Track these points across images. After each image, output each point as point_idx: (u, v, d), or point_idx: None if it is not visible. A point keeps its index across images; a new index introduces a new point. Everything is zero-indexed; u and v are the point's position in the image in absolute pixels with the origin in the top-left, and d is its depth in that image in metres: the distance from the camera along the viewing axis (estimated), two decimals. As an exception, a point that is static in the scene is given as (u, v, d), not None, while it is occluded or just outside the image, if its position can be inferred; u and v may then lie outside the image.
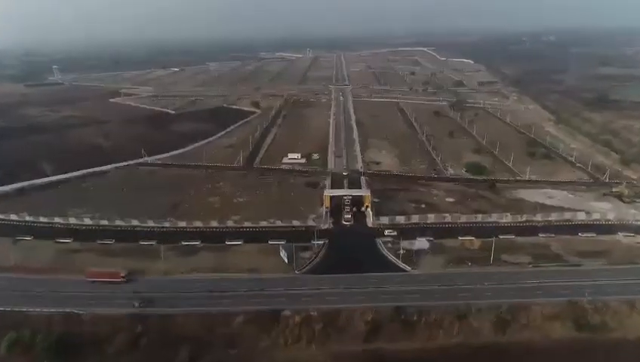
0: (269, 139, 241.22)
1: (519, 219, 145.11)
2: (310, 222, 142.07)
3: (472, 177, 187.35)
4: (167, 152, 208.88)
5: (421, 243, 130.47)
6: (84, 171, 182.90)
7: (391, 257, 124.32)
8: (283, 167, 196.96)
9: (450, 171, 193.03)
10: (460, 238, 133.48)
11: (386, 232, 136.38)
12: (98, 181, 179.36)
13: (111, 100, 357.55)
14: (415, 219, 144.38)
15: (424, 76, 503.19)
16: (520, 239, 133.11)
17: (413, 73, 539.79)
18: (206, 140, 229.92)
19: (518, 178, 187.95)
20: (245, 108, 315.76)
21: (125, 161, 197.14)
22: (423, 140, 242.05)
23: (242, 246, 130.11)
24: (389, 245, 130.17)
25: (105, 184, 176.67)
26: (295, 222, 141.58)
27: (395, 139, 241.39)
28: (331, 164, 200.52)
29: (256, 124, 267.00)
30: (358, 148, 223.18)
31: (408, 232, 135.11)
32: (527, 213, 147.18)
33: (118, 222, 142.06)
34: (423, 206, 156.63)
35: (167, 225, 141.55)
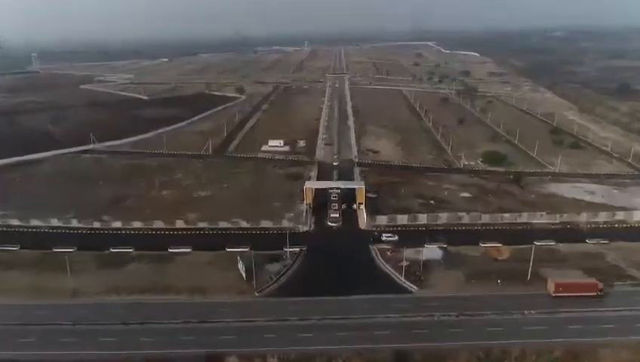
0: (249, 125, 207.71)
1: (557, 220, 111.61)
2: (285, 223, 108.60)
3: (491, 168, 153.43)
4: (124, 138, 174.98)
5: (431, 251, 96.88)
6: (16, 159, 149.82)
7: (390, 271, 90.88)
8: (261, 155, 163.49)
9: (464, 162, 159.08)
10: (483, 245, 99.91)
11: (385, 237, 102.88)
12: (30, 171, 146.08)
13: (82, 87, 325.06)
14: (422, 219, 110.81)
15: (428, 67, 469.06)
16: (563, 247, 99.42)
17: (416, 64, 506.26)
18: (174, 126, 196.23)
19: (546, 169, 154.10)
20: (229, 95, 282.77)
21: (72, 147, 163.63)
22: (429, 128, 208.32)
23: (190, 254, 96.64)
24: (388, 254, 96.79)
25: (36, 175, 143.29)
26: (265, 223, 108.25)
27: (398, 127, 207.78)
28: (319, 153, 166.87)
29: (236, 110, 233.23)
30: (353, 135, 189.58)
31: (414, 237, 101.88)
32: (568, 213, 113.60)
33: (34, 222, 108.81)
34: (432, 202, 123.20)
35: (97, 225, 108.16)
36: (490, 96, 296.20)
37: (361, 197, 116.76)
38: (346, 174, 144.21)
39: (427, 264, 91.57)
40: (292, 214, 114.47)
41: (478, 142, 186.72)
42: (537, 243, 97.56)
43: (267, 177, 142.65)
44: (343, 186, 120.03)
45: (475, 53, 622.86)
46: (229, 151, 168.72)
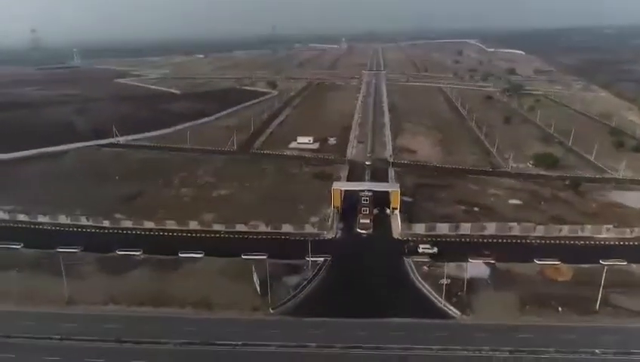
0: (277, 121, 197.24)
1: (629, 235, 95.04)
2: (308, 228, 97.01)
3: (543, 172, 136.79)
4: (149, 132, 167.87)
5: (476, 268, 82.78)
6: (34, 151, 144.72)
7: (428, 290, 77.75)
8: (288, 153, 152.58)
9: (512, 164, 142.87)
10: (539, 262, 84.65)
11: (421, 248, 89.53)
12: (49, 163, 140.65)
13: (116, 80, 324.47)
14: (465, 229, 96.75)
15: (470, 64, 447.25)
16: (637, 268, 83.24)
17: (457, 62, 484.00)
18: (200, 120, 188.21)
19: (608, 175, 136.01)
20: (260, 90, 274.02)
21: (95, 140, 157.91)
22: (471, 127, 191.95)
23: (201, 260, 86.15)
24: (425, 269, 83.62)
25: (54, 168, 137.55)
26: (286, 228, 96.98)
27: (437, 125, 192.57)
28: (351, 151, 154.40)
29: (267, 105, 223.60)
30: (388, 133, 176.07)
31: (455, 250, 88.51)
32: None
33: (40, 219, 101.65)
34: (477, 210, 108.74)
35: (106, 224, 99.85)
36: (539, 95, 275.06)
37: (395, 201, 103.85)
38: (379, 175, 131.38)
39: (472, 283, 77.90)
40: (317, 218, 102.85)
41: (527, 143, 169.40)
42: (605, 263, 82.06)
43: (293, 176, 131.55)
44: (375, 188, 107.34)
45: (520, 51, 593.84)
46: (255, 147, 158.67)
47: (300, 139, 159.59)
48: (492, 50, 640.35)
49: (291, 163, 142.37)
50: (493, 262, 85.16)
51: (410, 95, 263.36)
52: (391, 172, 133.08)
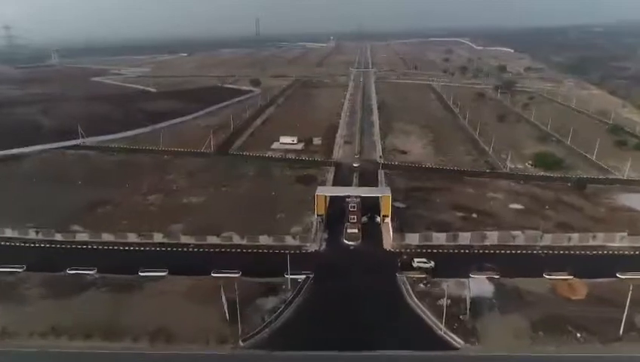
0: (260, 121, 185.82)
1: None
2: (289, 240, 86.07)
3: (544, 173, 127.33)
4: (120, 132, 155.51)
5: (479, 284, 72.87)
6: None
7: (425, 314, 67.27)
8: (270, 154, 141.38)
9: (510, 165, 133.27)
10: (549, 277, 75.28)
11: (416, 262, 79.07)
12: (4, 168, 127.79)
13: (93, 79, 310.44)
14: (464, 238, 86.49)
15: (460, 62, 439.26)
16: (659, 282, 73.61)
17: (447, 60, 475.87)
18: (177, 120, 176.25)
19: (612, 176, 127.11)
20: (243, 88, 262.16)
21: (59, 141, 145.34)
22: (464, 125, 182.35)
23: (164, 280, 75.16)
24: (422, 287, 73.21)
25: (10, 173, 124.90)
26: (264, 239, 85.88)
27: (429, 124, 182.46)
28: (338, 152, 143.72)
29: (249, 104, 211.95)
30: (377, 132, 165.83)
31: (455, 263, 78.58)
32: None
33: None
34: (475, 216, 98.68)
35: (58, 238, 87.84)
36: (532, 92, 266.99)
37: (386, 207, 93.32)
38: (368, 178, 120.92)
39: (475, 303, 67.60)
40: (299, 228, 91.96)
41: (524, 141, 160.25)
42: (622, 276, 73.00)
43: (274, 180, 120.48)
44: (364, 194, 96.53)
45: (510, 49, 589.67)
46: (234, 148, 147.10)
47: (283, 140, 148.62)
48: (481, 48, 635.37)
49: (273, 165, 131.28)
50: (497, 277, 75.40)
51: (400, 92, 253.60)
52: (381, 174, 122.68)
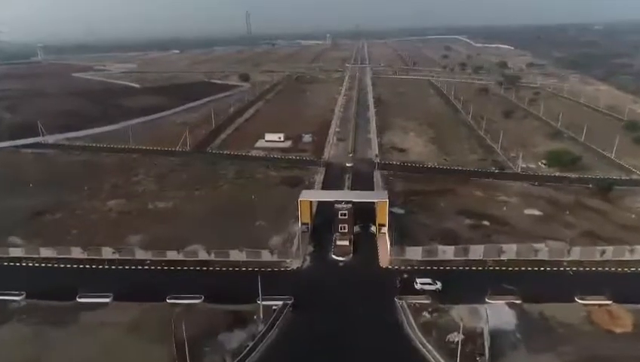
0: (245, 116, 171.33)
1: (693, 258, 71.43)
2: (266, 256, 71.52)
3: (560, 174, 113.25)
4: (88, 129, 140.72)
5: (499, 313, 58.61)
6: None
7: (430, 353, 52.74)
8: (253, 153, 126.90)
9: (521, 164, 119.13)
10: (582, 302, 61.00)
11: (420, 283, 64.68)
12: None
13: (75, 75, 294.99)
14: (477, 252, 72.11)
15: (459, 59, 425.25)
16: None
17: (446, 56, 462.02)
18: (153, 115, 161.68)
19: (635, 176, 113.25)
20: (231, 83, 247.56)
21: (16, 139, 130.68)
22: (468, 121, 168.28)
23: (107, 309, 60.66)
24: (427, 316, 58.75)
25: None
26: (236, 255, 71.35)
27: (430, 120, 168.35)
28: (329, 151, 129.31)
29: (236, 99, 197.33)
30: (373, 129, 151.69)
31: (466, 284, 64.41)
32: None
33: None
34: (487, 223, 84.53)
35: (-14, 253, 73.16)
36: (536, 88, 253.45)
37: (382, 215, 78.86)
38: (362, 180, 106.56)
39: (494, 338, 53.33)
40: (280, 239, 77.57)
41: (534, 139, 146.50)
42: (673, 302, 58.97)
43: (256, 182, 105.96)
44: (356, 199, 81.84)
45: (509, 46, 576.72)
46: (213, 146, 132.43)
47: (269, 137, 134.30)
48: (480, 45, 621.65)
49: (255, 165, 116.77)
50: (519, 302, 61.08)
51: (398, 88, 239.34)
52: (377, 176, 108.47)
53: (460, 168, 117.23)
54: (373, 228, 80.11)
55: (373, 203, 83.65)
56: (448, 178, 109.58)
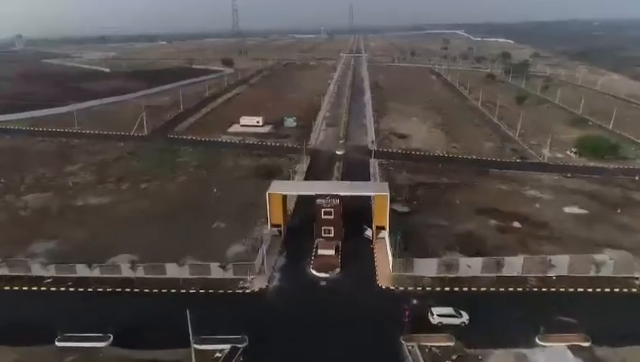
0: (222, 100, 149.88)
1: None
2: (216, 272, 50.36)
3: (599, 165, 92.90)
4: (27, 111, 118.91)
5: (558, 361, 37.86)
6: None
7: None
8: (225, 138, 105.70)
9: (547, 153, 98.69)
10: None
11: (437, 315, 43.83)
12: None
13: (44, 61, 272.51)
14: (513, 266, 51.33)
15: (460, 50, 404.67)
16: None
17: (445, 48, 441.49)
18: (115, 98, 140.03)
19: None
20: (212, 68, 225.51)
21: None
22: (477, 107, 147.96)
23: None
24: (451, 371, 37.90)
25: None
26: (173, 271, 50.23)
27: (434, 105, 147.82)
28: (317, 137, 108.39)
29: (214, 83, 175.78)
30: (370, 113, 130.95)
31: (503, 313, 43.48)
32: None
33: None
34: (518, 225, 64.05)
35: None
36: (546, 77, 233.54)
37: (381, 213, 57.90)
38: (356, 170, 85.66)
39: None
40: (241, 247, 56.67)
41: (556, 126, 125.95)
42: None
43: (222, 172, 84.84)
44: (345, 192, 60.43)
45: (509, 40, 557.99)
46: (177, 131, 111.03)
47: (245, 120, 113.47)
48: (479, 39, 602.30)
49: (225, 153, 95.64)
50: (587, 344, 40.61)
51: (397, 74, 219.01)
52: (374, 165, 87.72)
53: (474, 157, 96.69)
54: (368, 232, 59.25)
55: (369, 198, 62.98)
56: (461, 168, 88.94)
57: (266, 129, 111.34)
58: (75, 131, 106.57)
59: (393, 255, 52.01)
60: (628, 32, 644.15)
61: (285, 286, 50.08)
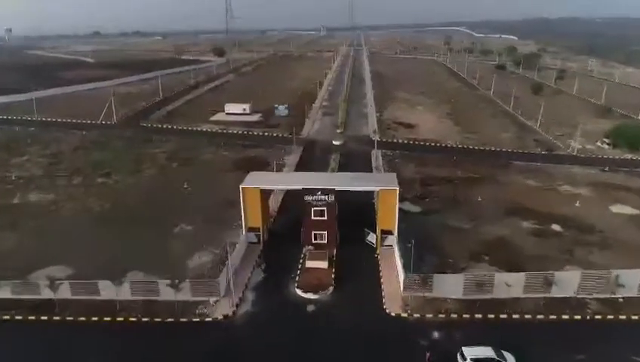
0: (209, 87, 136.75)
1: None
2: (166, 293, 37.16)
3: (635, 157, 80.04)
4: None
5: None
6: None
7: None
8: (206, 128, 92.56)
9: (576, 145, 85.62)
10: None
11: (469, 359, 30.55)
12: None
13: (27, 52, 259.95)
14: (567, 284, 38.19)
15: (463, 45, 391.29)
16: None
17: (448, 43, 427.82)
18: (89, 85, 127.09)
19: None
20: (203, 58, 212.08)
21: None
22: (489, 97, 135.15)
23: None
24: None
25: None
26: (108, 291, 37.08)
27: (442, 95, 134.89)
28: (311, 127, 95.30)
29: (202, 72, 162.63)
30: (371, 102, 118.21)
31: (558, 354, 30.04)
32: None
33: None
34: (558, 229, 51.02)
35: None
36: (559, 69, 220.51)
37: (388, 213, 44.79)
38: (356, 163, 72.42)
39: None
40: (208, 258, 43.65)
41: (579, 116, 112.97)
42: None
43: (198, 165, 71.86)
44: (343, 186, 47.03)
45: (513, 37, 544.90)
46: (152, 119, 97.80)
47: (230, 108, 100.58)
48: (482, 35, 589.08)
49: (204, 143, 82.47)
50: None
51: (399, 65, 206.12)
52: (376, 157, 74.67)
53: (492, 149, 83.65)
54: (371, 238, 46.20)
55: (372, 194, 50.02)
56: (479, 161, 75.92)
57: (254, 117, 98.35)
58: (33, 119, 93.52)
59: (405, 268, 39.05)
60: (629, 30, 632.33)
61: (259, 312, 37.02)
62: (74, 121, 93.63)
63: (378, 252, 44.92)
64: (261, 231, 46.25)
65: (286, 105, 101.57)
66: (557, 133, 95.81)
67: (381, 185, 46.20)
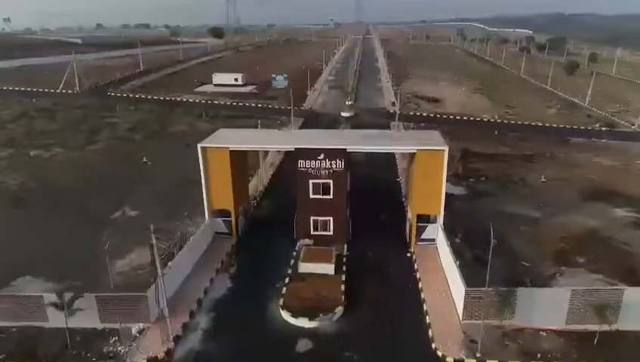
0: (199, 60, 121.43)
1: None
2: (55, 317, 21.41)
3: None
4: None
5: None
6: None
7: None
8: (188, 98, 76.77)
9: (639, 121, 69.25)
10: None
11: None
12: None
13: (17, 36, 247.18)
14: None
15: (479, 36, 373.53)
16: None
17: (462, 34, 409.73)
18: (66, 56, 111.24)
19: None
20: (200, 40, 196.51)
21: None
22: (519, 76, 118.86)
23: None
24: None
25: None
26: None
27: (467, 73, 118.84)
28: (315, 99, 79.32)
29: (195, 51, 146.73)
30: (386, 76, 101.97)
31: None
32: None
33: None
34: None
35: None
36: (589, 53, 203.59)
37: (429, 190, 28.67)
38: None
39: None
40: (144, 257, 27.79)
41: (626, 95, 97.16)
42: None
43: (169, 137, 56.38)
44: (354, 147, 30.64)
45: (528, 31, 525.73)
46: (123, 89, 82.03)
47: (219, 78, 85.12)
48: (495, 30, 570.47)
49: (181, 114, 67.00)
50: None
51: (413, 48, 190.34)
52: (399, 128, 58.70)
53: (539, 124, 67.35)
54: (407, 227, 30.31)
55: (410, 152, 34.17)
56: (528, 137, 59.71)
57: (248, 89, 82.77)
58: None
59: (462, 278, 23.11)
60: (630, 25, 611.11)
61: (214, 352, 21.19)
62: (27, 89, 78.44)
63: (412, 249, 29.01)
64: (233, 216, 30.47)
65: (285, 75, 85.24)
66: (610, 109, 79.90)
67: (420, 145, 29.82)
